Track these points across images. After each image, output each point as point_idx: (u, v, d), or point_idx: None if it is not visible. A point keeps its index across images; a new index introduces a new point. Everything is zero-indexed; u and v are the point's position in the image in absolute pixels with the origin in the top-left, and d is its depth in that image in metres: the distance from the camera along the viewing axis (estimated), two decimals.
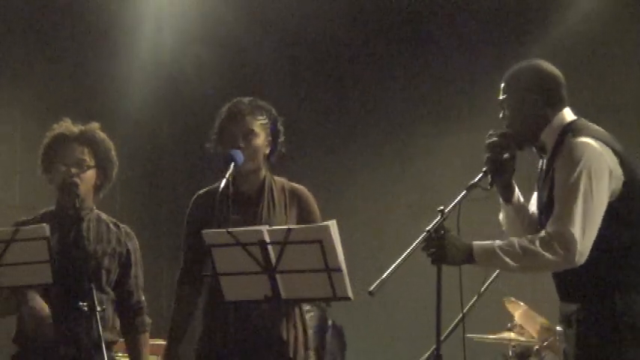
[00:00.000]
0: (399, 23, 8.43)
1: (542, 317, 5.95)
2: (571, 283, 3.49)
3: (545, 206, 3.49)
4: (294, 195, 4.07)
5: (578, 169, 3.34)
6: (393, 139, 8.49)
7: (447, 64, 8.25)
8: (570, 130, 3.48)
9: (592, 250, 3.33)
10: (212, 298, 3.95)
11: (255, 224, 3.72)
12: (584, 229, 3.30)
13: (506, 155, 3.56)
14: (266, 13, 8.28)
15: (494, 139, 3.56)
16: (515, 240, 3.39)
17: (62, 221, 4.19)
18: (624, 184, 3.40)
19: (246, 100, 4.11)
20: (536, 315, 6.02)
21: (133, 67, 8.16)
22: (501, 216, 3.74)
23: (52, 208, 4.32)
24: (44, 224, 3.87)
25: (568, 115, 3.58)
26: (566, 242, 3.29)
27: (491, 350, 6.50)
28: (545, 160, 3.59)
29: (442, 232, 3.36)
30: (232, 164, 3.84)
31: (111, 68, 8.05)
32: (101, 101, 7.74)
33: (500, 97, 3.63)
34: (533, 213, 3.68)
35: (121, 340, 4.37)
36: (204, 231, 3.55)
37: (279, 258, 3.45)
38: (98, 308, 3.96)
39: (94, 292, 3.97)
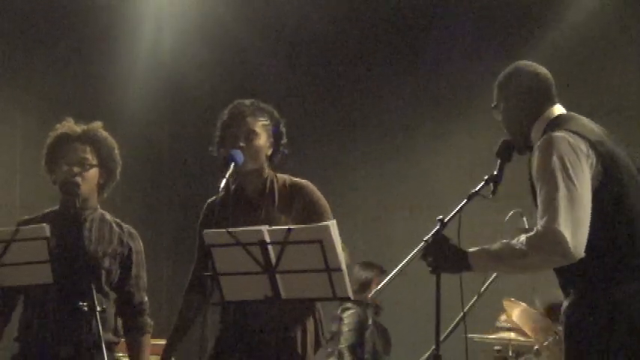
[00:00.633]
0: (399, 23, 8.44)
1: (541, 317, 5.95)
2: (561, 278, 3.49)
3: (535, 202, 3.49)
4: (296, 188, 4.06)
5: (552, 162, 3.32)
6: (393, 139, 8.50)
7: (447, 64, 8.25)
8: (552, 125, 3.49)
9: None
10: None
11: (256, 224, 3.72)
12: (573, 222, 3.25)
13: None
14: (266, 13, 8.29)
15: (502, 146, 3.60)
16: (506, 242, 3.39)
17: (64, 221, 4.19)
18: (601, 174, 3.37)
19: (247, 101, 4.12)
20: (535, 314, 6.01)
21: (133, 67, 8.17)
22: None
23: (56, 207, 4.32)
24: (44, 224, 3.87)
25: (557, 110, 3.59)
26: (554, 239, 3.24)
27: (491, 350, 6.50)
28: None
29: (440, 241, 3.37)
30: (232, 164, 3.85)
31: (111, 68, 8.06)
32: (101, 101, 7.73)
33: (492, 106, 3.66)
34: None
35: (123, 340, 4.36)
36: (205, 231, 3.56)
37: (279, 258, 3.45)
38: (98, 308, 3.96)
39: (94, 292, 3.97)
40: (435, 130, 8.29)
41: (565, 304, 3.49)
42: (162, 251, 8.42)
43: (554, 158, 3.32)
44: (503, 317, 6.26)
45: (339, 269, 3.41)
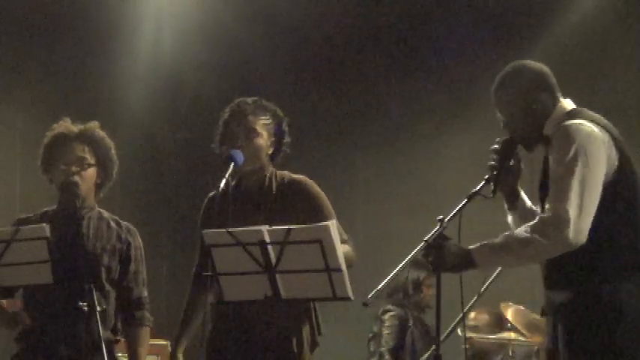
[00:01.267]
0: (400, 23, 8.44)
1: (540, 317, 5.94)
2: (560, 270, 3.44)
3: (544, 194, 3.47)
4: (295, 184, 4.05)
5: (573, 150, 3.32)
6: (393, 139, 8.50)
7: (447, 64, 8.25)
8: (571, 116, 3.48)
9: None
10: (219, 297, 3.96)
11: (256, 221, 3.72)
12: (581, 207, 3.25)
13: (512, 162, 3.57)
14: (266, 13, 8.28)
15: (496, 146, 3.57)
16: (509, 233, 3.39)
17: (63, 220, 4.18)
18: (617, 169, 3.38)
19: (249, 100, 4.11)
20: (533, 315, 6.00)
21: (133, 67, 8.16)
22: (509, 219, 3.73)
23: (54, 207, 4.32)
24: (44, 224, 3.87)
25: (568, 104, 3.58)
26: (559, 222, 3.24)
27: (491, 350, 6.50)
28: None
29: (441, 240, 3.36)
30: (232, 164, 3.84)
31: (111, 68, 8.05)
32: (101, 101, 7.74)
33: (494, 107, 3.64)
34: None
35: (123, 340, 4.36)
36: (205, 231, 3.56)
37: (279, 258, 3.45)
38: (98, 308, 3.96)
39: (94, 291, 3.97)
40: (435, 130, 8.29)
41: (559, 299, 3.44)
42: (161, 251, 8.42)
43: (575, 146, 3.32)
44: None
45: (339, 269, 3.41)
